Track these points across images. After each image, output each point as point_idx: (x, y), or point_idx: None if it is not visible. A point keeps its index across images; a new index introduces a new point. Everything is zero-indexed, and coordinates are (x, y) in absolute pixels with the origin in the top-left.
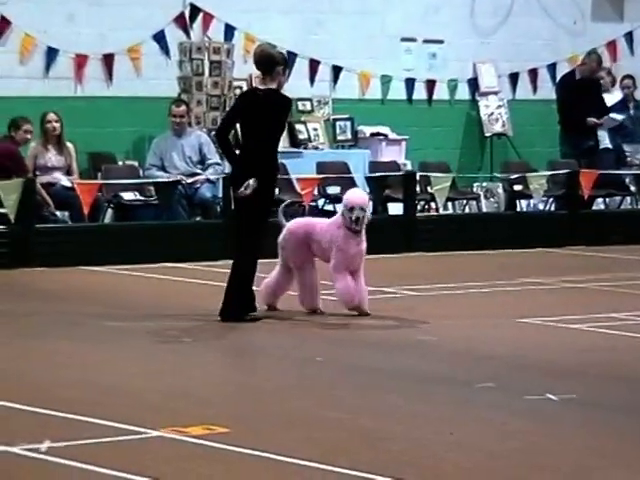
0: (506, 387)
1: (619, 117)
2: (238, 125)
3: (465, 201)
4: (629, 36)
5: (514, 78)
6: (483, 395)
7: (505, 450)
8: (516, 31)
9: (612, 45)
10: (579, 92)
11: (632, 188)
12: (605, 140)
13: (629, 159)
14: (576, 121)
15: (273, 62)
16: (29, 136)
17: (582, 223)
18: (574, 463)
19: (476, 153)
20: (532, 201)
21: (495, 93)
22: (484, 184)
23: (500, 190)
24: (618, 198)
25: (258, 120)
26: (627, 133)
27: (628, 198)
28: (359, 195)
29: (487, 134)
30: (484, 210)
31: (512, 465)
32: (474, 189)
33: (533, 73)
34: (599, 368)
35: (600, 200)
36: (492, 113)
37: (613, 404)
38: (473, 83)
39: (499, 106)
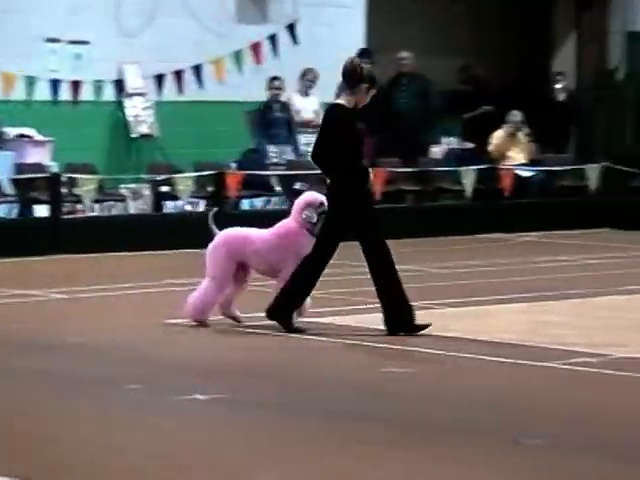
0: (155, 388)
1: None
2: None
3: (112, 202)
4: (272, 38)
5: (160, 79)
6: (132, 396)
7: (161, 451)
8: (161, 32)
9: (257, 46)
10: None
11: (277, 188)
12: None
13: (275, 159)
14: None
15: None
16: None
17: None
18: (230, 461)
19: (122, 154)
20: (180, 202)
21: (141, 94)
22: (131, 185)
23: (147, 191)
24: (264, 198)
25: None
26: (272, 135)
27: (275, 198)
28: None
29: (133, 135)
30: (131, 211)
31: (175, 466)
32: (121, 190)
33: (178, 74)
34: (249, 367)
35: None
36: (138, 114)
37: (262, 402)
38: (119, 84)
39: (145, 107)
